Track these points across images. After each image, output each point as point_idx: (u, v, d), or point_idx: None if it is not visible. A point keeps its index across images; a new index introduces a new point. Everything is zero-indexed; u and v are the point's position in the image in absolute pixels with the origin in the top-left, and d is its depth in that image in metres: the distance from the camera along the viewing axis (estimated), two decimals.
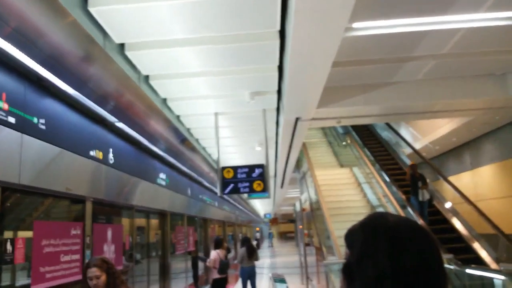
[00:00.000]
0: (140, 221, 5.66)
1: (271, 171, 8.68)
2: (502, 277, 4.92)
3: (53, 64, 2.60)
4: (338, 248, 6.44)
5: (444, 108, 5.75)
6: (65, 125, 3.37)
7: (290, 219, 42.05)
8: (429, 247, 0.76)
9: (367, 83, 5.35)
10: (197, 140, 6.64)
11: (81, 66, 2.79)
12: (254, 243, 14.37)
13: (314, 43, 3.01)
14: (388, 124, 10.65)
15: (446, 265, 4.79)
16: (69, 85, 2.99)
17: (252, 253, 8.01)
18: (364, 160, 9.70)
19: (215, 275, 6.98)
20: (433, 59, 4.66)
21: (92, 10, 2.71)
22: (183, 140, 5.49)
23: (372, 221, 0.81)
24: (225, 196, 12.16)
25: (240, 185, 5.24)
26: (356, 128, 11.67)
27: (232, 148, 7.42)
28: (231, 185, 5.25)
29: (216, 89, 4.43)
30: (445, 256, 5.35)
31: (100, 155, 3.95)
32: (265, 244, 32.86)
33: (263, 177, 5.23)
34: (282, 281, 5.59)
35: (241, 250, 8.12)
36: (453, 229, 6.96)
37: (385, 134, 11.13)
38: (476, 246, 6.31)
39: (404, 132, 10.11)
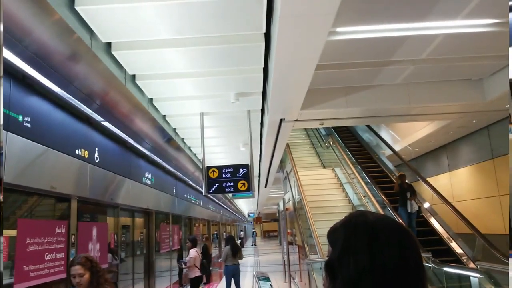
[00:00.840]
0: (125, 220, 5.67)
1: (255, 171, 8.76)
2: (478, 275, 5.09)
3: (39, 62, 2.62)
4: (320, 246, 6.54)
5: (422, 111, 5.90)
6: (51, 123, 3.39)
7: (273, 218, 42.24)
8: (409, 245, 0.80)
9: (349, 86, 5.46)
10: (182, 139, 6.66)
11: (67, 64, 2.82)
12: (238, 241, 14.43)
13: (298, 47, 3.09)
14: (369, 127, 10.83)
15: (425, 263, 4.93)
16: (54, 83, 3.00)
17: (236, 252, 8.07)
18: (346, 161, 9.84)
19: (194, 274, 7.02)
20: (412, 64, 4.78)
21: (79, 9, 2.73)
22: (169, 140, 5.52)
23: (353, 219, 0.85)
24: (210, 196, 12.21)
25: (224, 184, 5.30)
26: (338, 129, 11.82)
27: (217, 148, 7.46)
28: (216, 185, 5.30)
29: (202, 90, 4.47)
30: (424, 255, 5.49)
31: (85, 153, 3.97)
32: (249, 242, 32.90)
33: (247, 177, 5.30)
34: (266, 279, 5.66)
35: (226, 249, 8.18)
36: (433, 230, 7.13)
37: (366, 136, 11.31)
38: (454, 245, 6.49)
39: (384, 134, 10.29)
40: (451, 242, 6.58)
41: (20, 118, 2.95)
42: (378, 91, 5.47)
